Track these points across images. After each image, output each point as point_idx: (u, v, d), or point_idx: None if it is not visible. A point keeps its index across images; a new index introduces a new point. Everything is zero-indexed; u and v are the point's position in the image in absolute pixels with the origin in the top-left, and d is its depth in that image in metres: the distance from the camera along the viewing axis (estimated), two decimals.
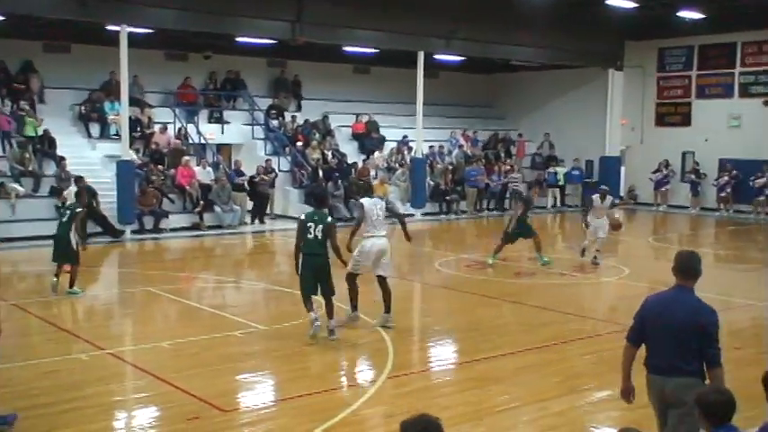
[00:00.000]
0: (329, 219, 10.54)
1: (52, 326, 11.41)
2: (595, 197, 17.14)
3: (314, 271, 10.37)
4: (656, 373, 5.62)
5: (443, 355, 10.62)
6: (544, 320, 12.20)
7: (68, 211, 13.73)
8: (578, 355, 10.20)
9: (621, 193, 30.86)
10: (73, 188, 17.09)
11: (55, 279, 13.41)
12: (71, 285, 13.36)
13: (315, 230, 10.32)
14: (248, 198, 23.58)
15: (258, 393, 8.78)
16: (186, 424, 7.51)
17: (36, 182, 20.61)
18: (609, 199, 17.11)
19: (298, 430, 7.26)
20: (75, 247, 13.37)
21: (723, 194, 27.83)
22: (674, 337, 5.51)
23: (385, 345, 10.33)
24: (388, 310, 11.21)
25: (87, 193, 18.58)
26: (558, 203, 29.88)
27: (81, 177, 17.75)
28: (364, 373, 9.53)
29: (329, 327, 10.50)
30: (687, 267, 5.69)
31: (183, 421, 7.57)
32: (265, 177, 23.63)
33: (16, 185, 19.99)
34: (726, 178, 27.68)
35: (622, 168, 31.03)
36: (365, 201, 11.29)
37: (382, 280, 11.19)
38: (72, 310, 13.17)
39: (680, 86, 29.99)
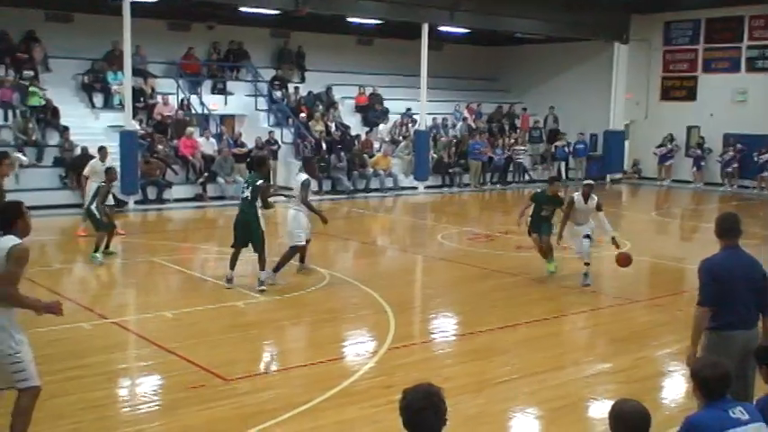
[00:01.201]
0: (259, 182, 11.57)
1: (56, 295, 11.43)
2: (577, 195, 12.59)
3: (242, 226, 11.65)
4: (737, 329, 5.93)
5: (444, 327, 10.66)
6: (545, 294, 12.22)
7: (96, 185, 14.42)
8: (578, 328, 10.24)
9: (625, 167, 30.88)
10: (96, 163, 16.64)
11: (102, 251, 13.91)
12: (95, 250, 13.63)
13: (246, 191, 11.61)
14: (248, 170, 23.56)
15: (260, 363, 8.85)
16: (189, 392, 7.56)
17: (39, 152, 20.61)
18: (594, 199, 12.55)
19: (299, 400, 7.31)
20: (98, 215, 13.82)
21: (729, 170, 27.73)
22: (747, 292, 5.95)
23: (386, 316, 10.37)
24: (276, 269, 12.09)
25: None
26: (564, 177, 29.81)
27: (103, 147, 17.03)
28: (365, 344, 9.57)
29: (259, 277, 11.66)
30: (733, 228, 6.17)
31: (185, 390, 7.63)
32: (263, 151, 23.48)
33: (20, 155, 19.97)
34: (731, 153, 27.58)
35: (626, 142, 30.97)
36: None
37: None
38: (76, 279, 13.24)
39: (686, 60, 29.78)
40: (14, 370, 5.72)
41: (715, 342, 5.96)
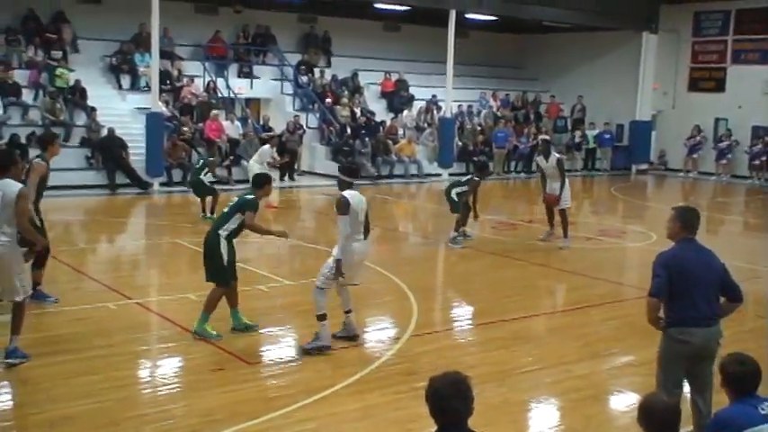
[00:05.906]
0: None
1: (81, 274, 11.55)
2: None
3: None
4: (697, 325, 5.74)
5: (468, 315, 10.65)
6: (569, 284, 12.18)
7: (202, 161, 16.77)
8: (602, 319, 10.17)
9: (652, 158, 30.64)
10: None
11: (202, 213, 16.10)
12: (212, 212, 15.54)
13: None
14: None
15: (282, 347, 8.86)
16: (211, 375, 7.60)
17: (67, 132, 20.73)
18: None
19: (321, 384, 7.33)
20: (209, 183, 16.09)
21: (757, 162, 27.45)
22: (708, 287, 5.81)
23: (409, 303, 10.37)
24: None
25: (116, 145, 19.05)
26: (589, 166, 29.62)
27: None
28: (388, 330, 9.57)
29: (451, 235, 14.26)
30: (693, 222, 6.14)
31: (207, 372, 7.67)
32: (293, 135, 23.53)
33: None
34: (760, 146, 27.29)
35: (653, 133, 30.72)
36: None
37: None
38: (100, 259, 13.34)
39: (715, 51, 29.42)
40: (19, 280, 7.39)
41: (669, 343, 5.83)
